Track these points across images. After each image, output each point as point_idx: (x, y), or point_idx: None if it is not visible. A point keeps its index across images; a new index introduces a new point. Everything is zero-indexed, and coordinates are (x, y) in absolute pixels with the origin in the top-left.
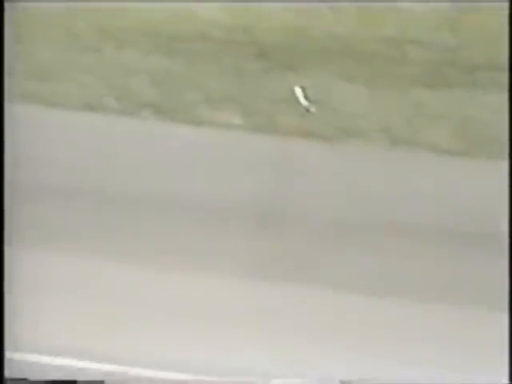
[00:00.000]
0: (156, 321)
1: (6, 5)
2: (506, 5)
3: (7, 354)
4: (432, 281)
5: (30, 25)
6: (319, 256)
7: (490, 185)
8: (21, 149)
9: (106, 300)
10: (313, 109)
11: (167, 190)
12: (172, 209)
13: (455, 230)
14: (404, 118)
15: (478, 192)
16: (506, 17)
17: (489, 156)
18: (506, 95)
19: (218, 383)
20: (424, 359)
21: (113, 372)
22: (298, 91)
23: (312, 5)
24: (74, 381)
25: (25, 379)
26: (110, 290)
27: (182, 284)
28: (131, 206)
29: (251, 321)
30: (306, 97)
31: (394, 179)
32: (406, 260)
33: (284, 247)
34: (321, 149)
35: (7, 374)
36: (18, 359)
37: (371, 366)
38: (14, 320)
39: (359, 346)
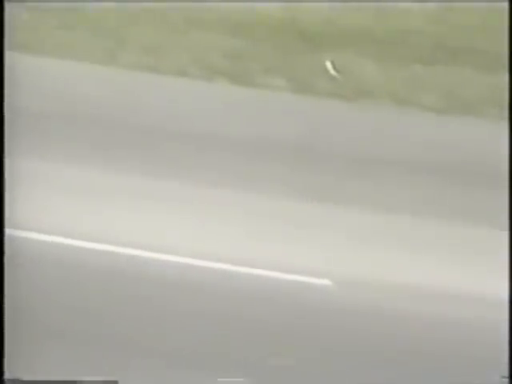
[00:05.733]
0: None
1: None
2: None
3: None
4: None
5: (142, 17)
6: (342, 182)
7: (467, 134)
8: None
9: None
10: (339, 77)
11: (230, 132)
12: (228, 146)
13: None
14: (404, 85)
15: (458, 140)
16: (479, 12)
17: (466, 113)
18: (479, 71)
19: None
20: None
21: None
22: (329, 64)
23: (339, 4)
24: (74, 381)
25: (23, 380)
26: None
27: (233, 199)
28: (196, 141)
29: (295, 227)
30: (334, 68)
31: (395, 128)
32: (413, 186)
33: (317, 175)
34: (344, 105)
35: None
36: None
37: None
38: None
39: (375, 246)
